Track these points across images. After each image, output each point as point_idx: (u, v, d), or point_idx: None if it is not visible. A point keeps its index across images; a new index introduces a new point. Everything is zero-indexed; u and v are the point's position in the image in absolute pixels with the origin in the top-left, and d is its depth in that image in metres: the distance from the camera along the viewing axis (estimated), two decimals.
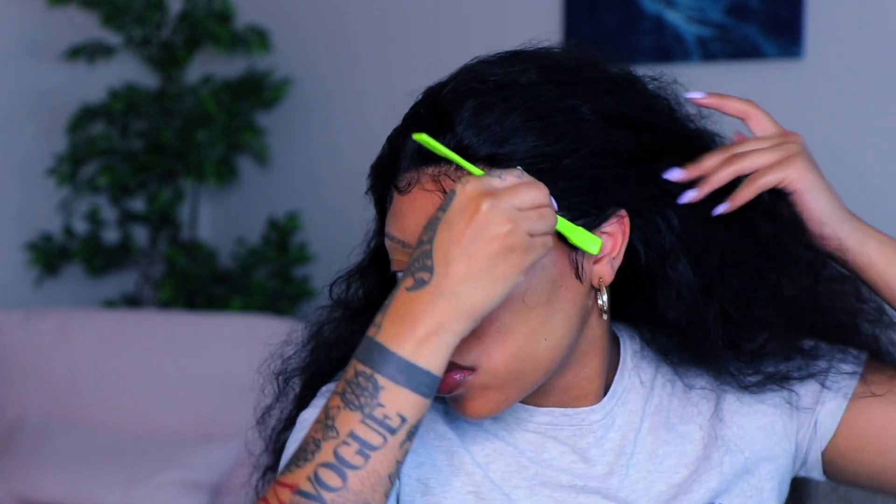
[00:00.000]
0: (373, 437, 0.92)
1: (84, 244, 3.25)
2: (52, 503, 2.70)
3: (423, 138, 0.98)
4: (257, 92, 3.28)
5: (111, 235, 3.38)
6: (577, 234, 1.01)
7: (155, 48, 3.23)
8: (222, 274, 3.24)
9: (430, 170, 1.03)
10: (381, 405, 0.92)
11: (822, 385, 1.12)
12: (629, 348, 1.15)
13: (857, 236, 1.09)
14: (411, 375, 0.92)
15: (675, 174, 1.06)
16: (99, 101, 3.19)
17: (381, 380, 0.92)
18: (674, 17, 2.77)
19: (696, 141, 1.11)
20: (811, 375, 1.12)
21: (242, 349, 2.77)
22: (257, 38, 3.27)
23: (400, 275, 0.99)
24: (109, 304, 3.34)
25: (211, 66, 3.41)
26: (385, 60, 3.23)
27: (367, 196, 1.12)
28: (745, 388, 1.11)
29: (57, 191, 3.19)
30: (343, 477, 0.92)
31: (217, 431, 2.78)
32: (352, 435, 0.92)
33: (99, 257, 3.26)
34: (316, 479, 0.92)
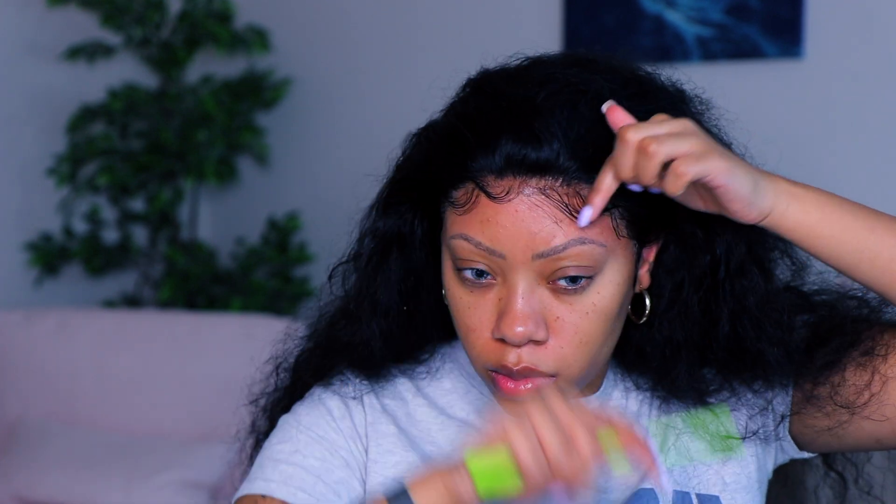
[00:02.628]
0: None
1: (84, 244, 3.25)
2: (52, 503, 2.69)
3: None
4: (257, 92, 3.28)
5: (111, 235, 3.38)
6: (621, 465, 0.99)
7: (155, 48, 3.23)
8: (222, 274, 3.24)
9: (534, 181, 1.02)
10: None
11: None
12: None
13: (780, 208, 1.04)
14: None
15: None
16: (99, 101, 3.19)
17: None
18: (674, 17, 2.77)
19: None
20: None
21: (242, 349, 2.77)
22: (257, 38, 3.27)
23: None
24: (109, 304, 3.34)
25: (211, 66, 3.40)
26: (385, 60, 3.23)
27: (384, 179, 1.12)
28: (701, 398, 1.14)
29: (57, 191, 3.18)
30: None
31: (217, 431, 2.77)
32: None
33: (99, 257, 3.26)
34: None
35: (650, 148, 0.98)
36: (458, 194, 1.04)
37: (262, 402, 1.23)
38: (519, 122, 1.02)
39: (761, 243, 1.12)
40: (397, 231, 1.12)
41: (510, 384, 1.05)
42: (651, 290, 1.10)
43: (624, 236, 1.05)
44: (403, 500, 0.96)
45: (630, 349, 1.13)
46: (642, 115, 1.03)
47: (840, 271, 1.07)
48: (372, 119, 3.20)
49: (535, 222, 1.01)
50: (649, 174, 1.00)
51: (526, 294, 1.03)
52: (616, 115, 1.02)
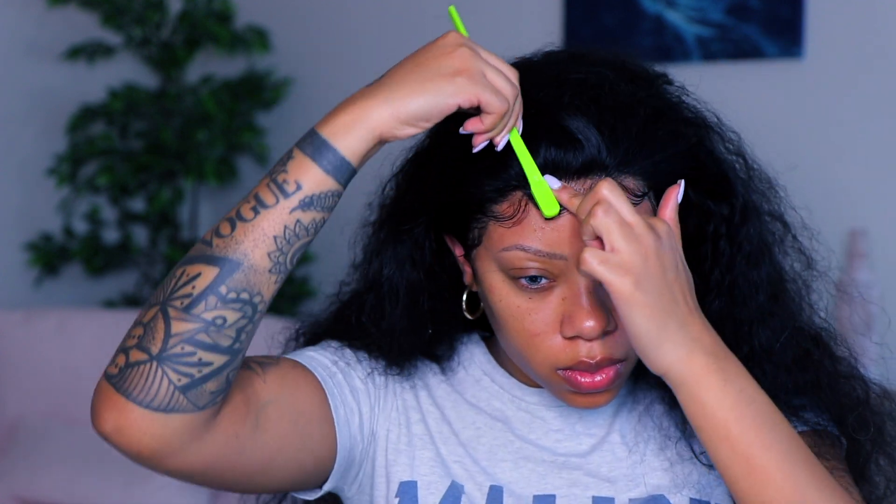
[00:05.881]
0: (268, 197, 0.98)
1: (84, 244, 3.25)
2: (52, 503, 2.70)
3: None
4: (257, 92, 3.28)
5: (111, 235, 3.38)
6: (536, 182, 1.03)
7: (155, 48, 3.23)
8: None
9: (580, 181, 1.04)
10: (284, 171, 0.98)
11: None
12: None
13: (672, 377, 1.00)
14: (318, 149, 0.98)
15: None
16: (99, 101, 3.19)
17: (295, 151, 0.99)
18: (674, 17, 2.77)
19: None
20: None
21: None
22: (257, 38, 3.27)
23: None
24: (109, 304, 3.34)
25: (211, 66, 3.41)
26: (385, 60, 3.21)
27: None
28: None
29: (57, 191, 3.19)
30: (233, 227, 0.98)
31: None
32: (255, 195, 0.99)
33: (99, 257, 3.26)
34: (215, 230, 0.99)
35: (596, 210, 0.97)
36: (503, 207, 1.05)
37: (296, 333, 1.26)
38: (553, 126, 1.03)
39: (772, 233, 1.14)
40: (409, 255, 1.14)
41: (588, 378, 1.06)
42: None
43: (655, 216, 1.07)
44: (324, 151, 0.98)
45: None
46: (651, 98, 1.06)
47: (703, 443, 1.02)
48: None
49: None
50: (579, 215, 0.99)
51: (590, 288, 1.04)
52: (669, 203, 1.03)
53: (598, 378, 1.06)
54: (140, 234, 3.43)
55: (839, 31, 2.61)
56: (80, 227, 3.34)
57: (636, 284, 0.96)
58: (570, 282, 1.04)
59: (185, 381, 0.97)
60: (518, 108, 1.01)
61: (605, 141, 1.02)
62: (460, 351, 1.21)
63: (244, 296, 0.98)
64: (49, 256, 3.22)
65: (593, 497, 1.13)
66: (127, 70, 3.33)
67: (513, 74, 1.01)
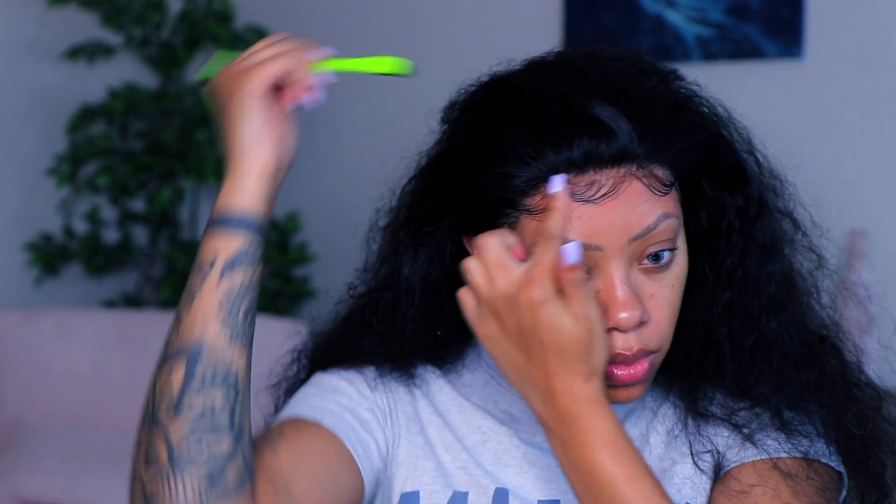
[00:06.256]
0: (195, 281, 1.03)
1: (84, 244, 3.25)
2: (52, 503, 2.70)
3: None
4: None
5: (111, 235, 3.38)
6: (367, 63, 1.06)
7: (155, 48, 3.23)
8: None
9: (613, 171, 1.03)
10: (199, 255, 1.04)
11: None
12: None
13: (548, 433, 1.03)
14: (215, 222, 1.04)
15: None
16: (99, 101, 3.19)
17: (201, 240, 1.05)
18: (674, 17, 2.77)
19: None
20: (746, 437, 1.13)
21: None
22: (257, 38, 3.25)
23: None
24: (109, 304, 3.34)
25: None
26: None
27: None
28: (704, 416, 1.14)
29: (57, 191, 3.19)
30: (180, 320, 1.03)
31: None
32: (186, 288, 1.03)
33: (99, 257, 3.26)
34: (168, 334, 1.04)
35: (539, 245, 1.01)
36: (535, 200, 1.04)
37: (284, 385, 1.25)
38: (584, 118, 1.03)
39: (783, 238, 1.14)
40: (430, 257, 1.14)
41: (625, 371, 1.06)
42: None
43: (681, 206, 1.07)
44: (222, 219, 1.04)
45: None
46: (670, 90, 1.08)
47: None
48: (372, 119, 3.20)
49: (626, 208, 1.03)
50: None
51: (624, 279, 1.04)
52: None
53: (633, 370, 1.06)
54: (140, 234, 3.43)
55: (839, 31, 2.61)
56: (80, 227, 3.34)
57: (487, 333, 1.03)
58: (605, 273, 1.04)
59: (205, 479, 0.98)
60: (296, 44, 1.05)
61: (635, 131, 1.02)
62: (468, 354, 1.20)
63: (219, 374, 1.00)
64: (49, 256, 3.22)
65: None
66: (127, 70, 3.33)
67: (263, 43, 1.06)
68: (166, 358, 1.02)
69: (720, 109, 1.13)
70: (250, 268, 1.02)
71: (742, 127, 1.14)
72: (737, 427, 1.11)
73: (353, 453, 1.11)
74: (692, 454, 1.13)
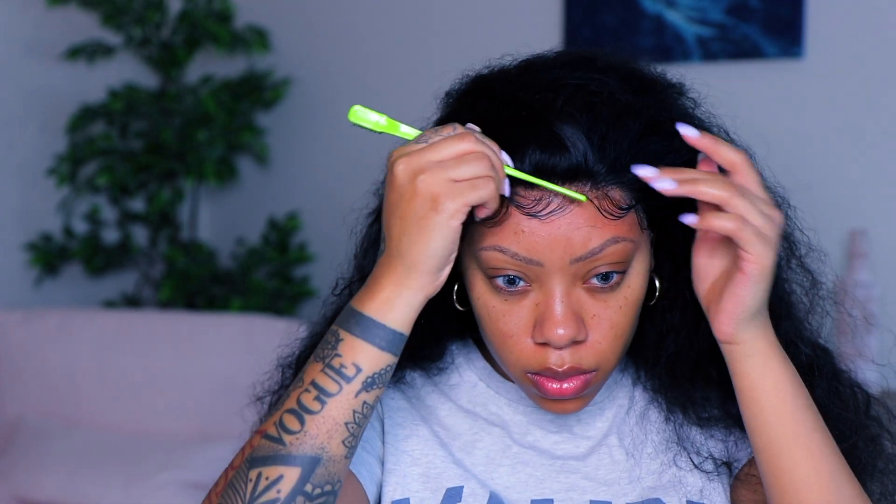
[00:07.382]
0: (329, 385, 0.98)
1: (84, 244, 3.25)
2: (52, 503, 2.70)
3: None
4: (257, 92, 3.28)
5: (111, 235, 3.38)
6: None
7: (155, 48, 3.23)
8: (222, 274, 3.24)
9: (565, 187, 1.02)
10: (338, 355, 0.98)
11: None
12: None
13: (747, 347, 1.03)
14: (368, 329, 0.98)
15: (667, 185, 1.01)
16: (99, 101, 3.19)
17: (342, 333, 0.99)
18: (674, 17, 2.77)
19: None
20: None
21: (242, 349, 2.78)
22: (257, 38, 3.27)
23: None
24: (109, 304, 3.34)
25: (211, 66, 3.41)
26: (385, 60, 3.23)
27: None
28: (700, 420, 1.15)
29: (57, 191, 3.19)
30: (301, 421, 0.98)
31: (217, 431, 2.78)
32: (312, 383, 0.98)
33: (99, 257, 3.26)
34: (280, 424, 0.98)
35: (744, 208, 0.98)
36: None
37: (268, 399, 1.24)
38: (543, 130, 1.02)
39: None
40: None
41: (555, 385, 1.06)
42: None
43: (645, 229, 1.06)
44: (374, 329, 0.98)
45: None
46: (652, 109, 1.05)
47: (747, 423, 1.05)
48: None
49: (570, 228, 1.02)
50: (722, 217, 0.98)
51: (564, 297, 1.04)
52: (695, 139, 1.01)
53: (565, 386, 1.06)
54: (140, 234, 3.43)
55: (839, 31, 2.61)
56: (80, 227, 3.34)
57: (773, 264, 0.99)
58: (546, 288, 1.04)
59: None
60: (494, 160, 0.98)
61: (594, 149, 1.01)
62: (454, 355, 1.21)
63: (328, 488, 0.99)
64: (49, 256, 3.22)
65: (590, 501, 1.13)
66: (127, 70, 3.33)
67: (466, 144, 0.98)
68: (275, 455, 0.97)
69: (716, 130, 1.11)
70: (382, 388, 1.00)
71: (742, 148, 1.12)
72: (737, 421, 1.12)
73: (359, 477, 1.12)
74: (695, 465, 1.14)
